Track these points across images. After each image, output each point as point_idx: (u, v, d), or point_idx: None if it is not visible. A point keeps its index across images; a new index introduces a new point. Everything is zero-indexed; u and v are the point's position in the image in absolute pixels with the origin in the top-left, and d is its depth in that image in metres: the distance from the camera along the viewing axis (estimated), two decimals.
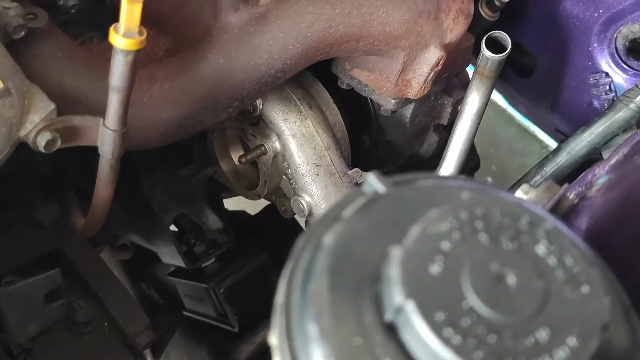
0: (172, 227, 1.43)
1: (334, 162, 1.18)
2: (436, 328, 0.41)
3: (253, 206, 1.68)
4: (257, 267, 1.38)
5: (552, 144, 1.83)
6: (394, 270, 0.43)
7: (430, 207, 0.47)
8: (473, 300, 0.43)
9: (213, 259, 1.42)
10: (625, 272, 0.53)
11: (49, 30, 0.93)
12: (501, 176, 2.23)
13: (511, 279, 0.44)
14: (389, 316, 0.43)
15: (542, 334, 0.42)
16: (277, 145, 1.18)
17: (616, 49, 1.26)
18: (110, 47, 0.97)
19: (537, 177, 1.19)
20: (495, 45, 1.11)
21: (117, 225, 1.42)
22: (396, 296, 0.42)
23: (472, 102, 1.16)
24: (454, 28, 1.11)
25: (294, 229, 1.56)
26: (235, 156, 1.31)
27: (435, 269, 0.44)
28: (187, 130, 1.04)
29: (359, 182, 1.22)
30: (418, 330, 0.41)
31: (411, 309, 0.42)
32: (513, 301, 0.43)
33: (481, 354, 0.41)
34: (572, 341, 0.42)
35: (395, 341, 0.43)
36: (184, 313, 1.49)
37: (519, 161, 2.13)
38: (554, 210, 0.68)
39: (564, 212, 0.69)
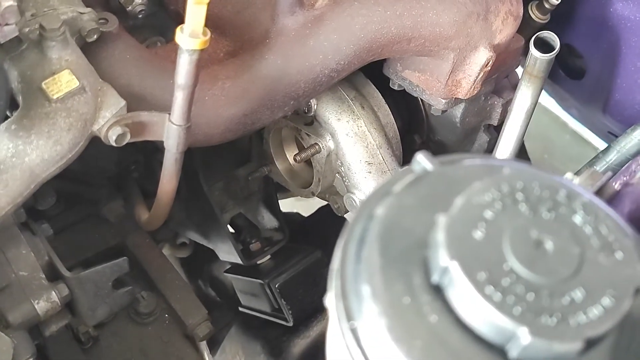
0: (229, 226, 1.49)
1: (386, 160, 1.23)
2: (479, 286, 0.46)
3: (306, 209, 1.74)
4: (311, 264, 1.43)
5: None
6: (440, 235, 0.48)
7: (474, 182, 0.52)
8: (513, 262, 0.47)
9: (268, 256, 1.47)
10: None
11: (118, 34, 1.00)
12: None
13: (549, 244, 0.48)
14: (435, 277, 0.48)
15: (578, 294, 0.46)
16: (331, 144, 1.23)
17: None
18: (174, 50, 1.04)
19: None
20: (544, 46, 1.14)
21: (177, 223, 1.49)
22: (442, 258, 0.47)
23: (522, 101, 1.19)
24: (503, 29, 1.14)
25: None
26: (290, 155, 1.37)
27: (478, 234, 0.48)
28: (245, 128, 1.09)
29: None
30: (462, 289, 0.46)
31: (456, 269, 0.46)
32: (550, 264, 0.47)
33: (520, 309, 0.45)
34: (605, 301, 0.46)
35: (441, 300, 0.48)
36: (240, 309, 1.55)
37: (573, 168, 2.14)
38: (597, 195, 0.71)
39: (607, 198, 0.72)
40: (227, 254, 1.47)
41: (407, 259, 0.50)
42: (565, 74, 1.47)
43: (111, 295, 1.04)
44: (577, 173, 1.26)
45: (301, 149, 1.30)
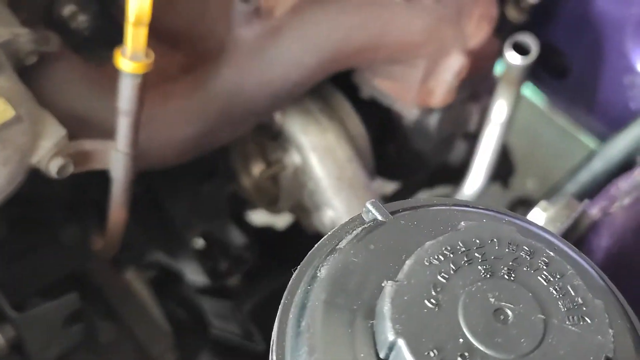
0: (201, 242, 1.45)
1: (356, 174, 1.19)
2: None
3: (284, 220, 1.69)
4: (283, 285, 1.39)
5: (593, 143, 1.81)
6: (386, 307, 0.44)
7: (427, 238, 0.47)
8: (468, 337, 0.43)
9: (238, 276, 1.43)
10: None
11: (61, 53, 0.96)
12: (544, 179, 2.20)
13: (509, 313, 0.44)
14: (382, 354, 0.44)
15: None
16: (297, 159, 1.19)
17: None
18: None
19: (571, 185, 1.18)
20: (522, 49, 1.10)
21: (140, 245, 1.44)
22: (388, 333, 0.43)
23: (499, 109, 1.15)
24: (477, 33, 1.10)
25: None
26: (256, 171, 1.32)
27: (429, 304, 0.44)
28: (203, 148, 1.05)
29: (389, 191, 1.22)
30: None
31: (403, 346, 0.42)
32: (510, 336, 0.43)
33: None
34: None
35: None
36: (212, 332, 1.51)
37: (561, 164, 2.11)
38: (573, 228, 0.67)
39: (584, 229, 0.68)
40: (195, 274, 1.42)
41: (353, 329, 0.46)
42: (547, 74, 1.44)
43: (62, 334, 1.00)
44: (559, 181, 1.23)
45: (267, 164, 1.26)
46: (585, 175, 1.17)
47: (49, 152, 0.87)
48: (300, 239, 1.57)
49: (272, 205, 1.29)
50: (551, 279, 0.46)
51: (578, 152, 2.17)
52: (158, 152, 1.00)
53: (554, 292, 0.45)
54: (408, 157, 1.33)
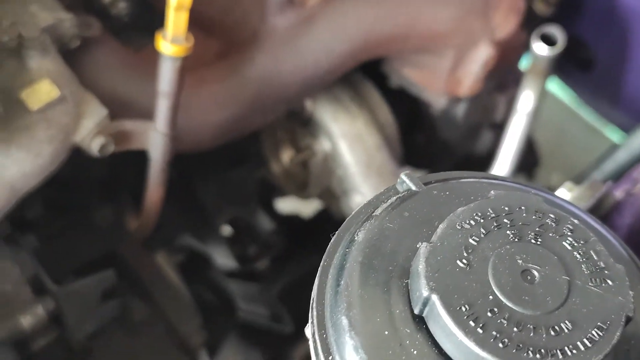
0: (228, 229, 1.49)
1: (385, 162, 1.22)
2: (459, 319, 0.45)
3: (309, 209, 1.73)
4: (314, 268, 1.42)
5: (617, 138, 1.83)
6: (421, 265, 0.47)
7: (459, 206, 0.51)
8: (497, 293, 0.46)
9: (266, 260, 1.46)
10: None
11: (102, 38, 1.00)
12: (569, 173, 2.22)
13: (535, 274, 0.47)
14: (417, 309, 0.47)
15: (564, 327, 0.45)
16: (327, 145, 1.22)
17: None
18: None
19: (595, 173, 1.20)
20: (548, 41, 1.13)
21: (171, 228, 1.48)
22: (423, 290, 0.46)
23: (525, 100, 1.18)
24: (505, 25, 1.13)
25: None
26: (286, 157, 1.36)
27: (461, 264, 0.47)
28: (236, 132, 1.09)
29: None
30: (443, 322, 0.45)
31: (436, 301, 0.45)
32: (536, 295, 0.46)
33: (502, 346, 0.44)
34: (593, 333, 0.45)
35: (424, 332, 0.47)
36: (240, 314, 1.54)
37: (586, 159, 2.12)
38: (597, 207, 0.70)
39: (608, 209, 0.71)
40: (224, 258, 1.46)
41: (388, 288, 0.49)
42: (573, 67, 1.46)
43: (99, 308, 1.04)
44: (584, 172, 1.25)
45: (297, 150, 1.29)
46: (610, 165, 1.19)
47: (91, 132, 0.91)
48: (326, 227, 1.60)
49: (301, 190, 1.33)
50: (575, 244, 0.49)
51: (603, 148, 2.19)
52: (193, 135, 1.03)
53: (578, 256, 0.48)
54: (435, 146, 1.36)
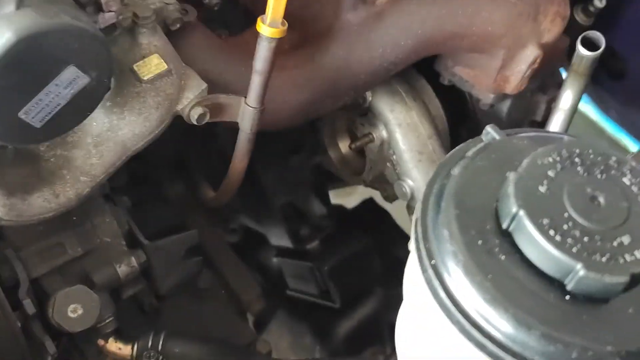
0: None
1: (435, 150, 1.34)
2: (542, 230, 0.57)
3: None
4: (360, 249, 1.54)
5: None
6: (510, 188, 0.59)
7: (538, 148, 0.62)
8: (571, 212, 0.58)
9: (317, 241, 1.58)
10: None
11: (196, 24, 1.12)
12: None
13: (601, 199, 0.59)
14: (505, 224, 0.59)
15: (625, 239, 0.57)
16: (384, 133, 1.34)
17: None
18: (242, 41, 1.16)
19: None
20: (590, 45, 1.25)
21: (231, 209, 1.61)
22: (512, 207, 0.58)
23: (566, 97, 1.29)
24: (551, 29, 1.25)
25: (389, 222, 1.73)
26: (342, 145, 1.48)
27: (542, 189, 0.59)
28: (310, 114, 1.21)
29: None
30: (528, 231, 0.57)
31: (523, 215, 0.57)
32: (602, 215, 0.58)
33: (576, 249, 0.56)
34: None
35: (509, 243, 0.59)
36: (288, 292, 1.66)
37: None
38: None
39: None
40: (278, 238, 1.58)
41: (480, 209, 0.61)
42: (605, 74, 1.57)
43: (182, 264, 1.16)
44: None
45: (354, 138, 1.42)
46: None
47: (191, 102, 1.03)
48: (368, 216, 1.73)
49: (356, 176, 1.45)
50: (633, 180, 0.61)
51: None
52: (273, 114, 1.15)
53: (636, 189, 0.60)
54: None
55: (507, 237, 0.59)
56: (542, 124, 1.40)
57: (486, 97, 1.31)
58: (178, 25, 1.08)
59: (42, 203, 0.95)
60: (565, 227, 0.57)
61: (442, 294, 0.59)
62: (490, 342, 0.57)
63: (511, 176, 0.59)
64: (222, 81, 1.12)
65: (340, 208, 1.82)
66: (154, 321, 1.30)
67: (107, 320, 1.08)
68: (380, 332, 1.60)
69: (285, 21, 0.99)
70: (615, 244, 0.56)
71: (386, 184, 1.42)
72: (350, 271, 1.52)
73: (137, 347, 1.11)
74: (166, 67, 1.01)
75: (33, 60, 0.82)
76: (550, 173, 0.60)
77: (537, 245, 0.56)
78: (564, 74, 1.46)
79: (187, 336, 1.15)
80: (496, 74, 1.27)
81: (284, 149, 1.55)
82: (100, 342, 1.10)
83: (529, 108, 1.40)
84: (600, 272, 0.55)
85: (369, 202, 1.79)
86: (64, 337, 1.08)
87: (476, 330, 0.57)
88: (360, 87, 1.22)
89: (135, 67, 1.01)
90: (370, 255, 1.58)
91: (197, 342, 1.14)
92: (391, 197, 1.43)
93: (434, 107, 1.38)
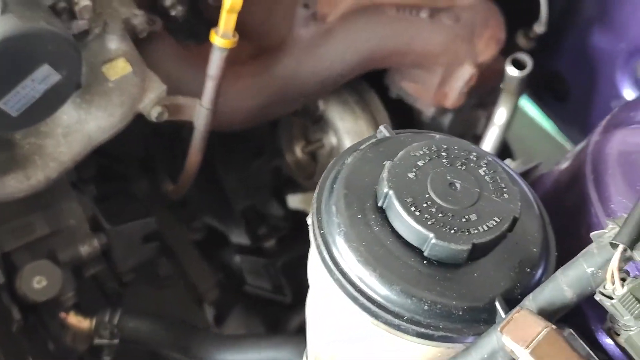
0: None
1: None
2: (406, 206, 0.74)
3: None
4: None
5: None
6: (385, 174, 0.76)
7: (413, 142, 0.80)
8: (431, 194, 0.75)
9: (274, 241, 1.75)
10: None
11: (162, 33, 1.30)
12: None
13: (458, 185, 0.76)
14: (380, 202, 0.76)
15: (473, 216, 0.74)
16: (334, 140, 1.52)
17: (637, 79, 1.55)
18: (204, 51, 1.33)
19: None
20: (519, 65, 1.43)
21: (194, 207, 1.78)
22: (384, 188, 0.75)
23: (500, 114, 1.47)
24: (486, 51, 1.43)
25: None
26: (298, 149, 1.66)
27: (410, 175, 0.76)
28: (262, 118, 1.39)
29: None
30: (395, 208, 0.74)
31: (392, 194, 0.74)
32: (457, 197, 0.75)
33: (431, 222, 0.73)
34: (491, 223, 0.74)
35: (383, 218, 0.76)
36: (246, 288, 1.83)
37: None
38: (525, 175, 0.99)
39: (533, 179, 1.00)
40: (238, 236, 1.75)
41: (363, 191, 0.78)
42: (551, 96, 1.75)
43: (140, 248, 1.33)
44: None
45: (308, 143, 1.59)
46: None
47: (152, 102, 1.21)
48: None
49: (309, 179, 1.62)
50: (487, 171, 0.78)
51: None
52: (228, 117, 1.33)
53: (488, 178, 0.78)
54: None
55: (381, 213, 0.76)
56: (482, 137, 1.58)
57: (428, 110, 1.49)
58: (145, 34, 1.26)
59: (15, 184, 1.12)
60: (424, 205, 0.74)
61: (327, 256, 0.76)
62: (361, 295, 0.74)
63: (387, 164, 0.77)
64: (181, 85, 1.29)
65: (299, 213, 1.99)
66: (115, 304, 1.47)
67: (69, 294, 1.25)
68: None
69: (237, 33, 1.17)
70: (464, 219, 0.73)
71: None
72: (302, 268, 1.69)
73: (96, 321, 1.27)
74: (131, 69, 1.19)
75: (13, 58, 0.99)
76: (420, 163, 0.77)
77: (401, 219, 0.73)
78: None
79: (142, 313, 1.32)
80: (436, 89, 1.46)
81: (245, 153, 1.72)
82: (62, 314, 1.27)
83: (469, 122, 1.59)
84: (448, 241, 0.72)
85: None
86: (30, 312, 1.24)
87: (351, 285, 0.74)
88: (310, 95, 1.40)
89: (103, 69, 1.18)
90: None
91: (149, 318, 1.30)
92: None
93: (381, 117, 1.56)
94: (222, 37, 1.16)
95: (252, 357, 1.17)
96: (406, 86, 1.50)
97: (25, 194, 1.14)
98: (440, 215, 0.74)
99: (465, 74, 1.43)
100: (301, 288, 1.72)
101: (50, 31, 1.01)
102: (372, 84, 1.59)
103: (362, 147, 0.84)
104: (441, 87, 1.45)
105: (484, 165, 0.79)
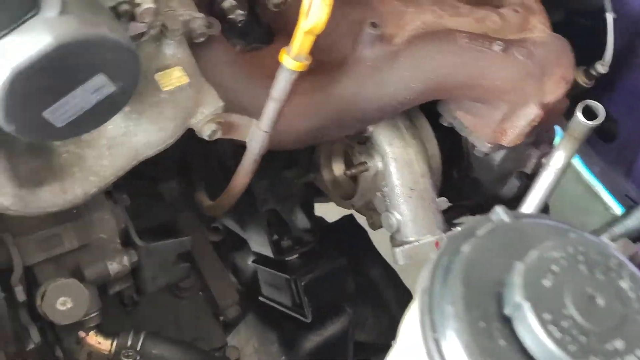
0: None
1: (427, 188, 1.36)
2: (544, 324, 0.59)
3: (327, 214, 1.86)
4: (336, 269, 1.57)
5: (616, 208, 1.99)
6: (516, 278, 0.61)
7: (544, 239, 0.65)
8: (572, 310, 0.60)
9: (296, 255, 1.60)
10: None
11: (219, 37, 1.13)
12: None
13: (600, 300, 0.62)
14: (508, 310, 0.61)
15: (619, 343, 0.60)
16: (380, 164, 1.36)
17: None
18: (260, 58, 1.17)
19: (605, 236, 1.35)
20: (588, 113, 1.28)
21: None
22: (516, 297, 0.60)
23: (558, 157, 1.32)
24: (555, 91, 1.28)
25: (366, 240, 1.75)
26: (336, 168, 1.50)
27: (546, 282, 0.61)
28: (314, 140, 1.23)
29: (444, 209, 1.40)
30: (529, 324, 0.59)
31: (527, 307, 0.60)
32: (600, 316, 0.61)
33: (574, 348, 0.59)
34: (638, 353, 0.60)
35: (510, 329, 0.61)
36: (260, 299, 1.68)
37: (581, 219, 2.29)
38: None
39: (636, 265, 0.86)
40: (259, 245, 1.60)
41: (485, 291, 0.63)
42: (597, 136, 1.61)
43: (172, 268, 1.17)
44: (596, 231, 1.40)
45: (349, 163, 1.44)
46: (620, 229, 1.34)
47: (206, 118, 1.04)
48: (347, 234, 1.75)
49: (345, 200, 1.47)
50: (631, 285, 0.63)
51: (597, 211, 2.35)
52: (279, 137, 1.16)
53: (633, 295, 0.63)
54: (467, 183, 1.51)
55: (507, 322, 0.61)
56: (531, 176, 1.44)
57: (482, 146, 1.34)
58: (202, 39, 1.09)
59: (50, 197, 0.96)
60: (564, 324, 0.60)
61: None
62: None
63: (518, 266, 0.62)
64: (235, 98, 1.13)
65: (320, 221, 1.84)
66: (130, 314, 1.32)
67: (92, 315, 1.09)
68: (344, 350, 1.62)
69: (310, 57, 1.00)
70: (609, 347, 0.59)
71: (374, 212, 1.44)
72: (324, 288, 1.55)
73: (117, 344, 1.12)
74: (187, 80, 1.02)
75: (67, 65, 0.83)
76: (555, 268, 0.62)
77: (536, 338, 0.59)
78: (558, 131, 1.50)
79: (165, 338, 1.17)
80: (496, 125, 1.30)
81: (277, 162, 1.57)
82: (82, 333, 1.11)
83: (520, 160, 1.44)
84: None
85: (348, 219, 1.81)
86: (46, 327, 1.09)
87: None
88: (367, 121, 1.25)
89: (156, 77, 1.02)
90: (344, 275, 1.60)
91: (174, 344, 1.15)
92: (376, 225, 1.46)
93: (431, 146, 1.41)
94: (294, 59, 0.99)
95: None
96: (462, 117, 1.35)
97: (59, 208, 0.98)
98: (583, 338, 0.60)
99: (530, 114, 1.28)
100: (321, 308, 1.58)
101: (112, 40, 0.84)
102: (422, 109, 1.43)
103: (477, 232, 0.68)
104: (502, 124, 1.30)
105: (627, 276, 0.64)
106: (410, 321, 0.68)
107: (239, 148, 1.50)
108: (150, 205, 1.41)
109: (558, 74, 1.28)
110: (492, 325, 0.62)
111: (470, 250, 0.66)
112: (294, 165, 1.57)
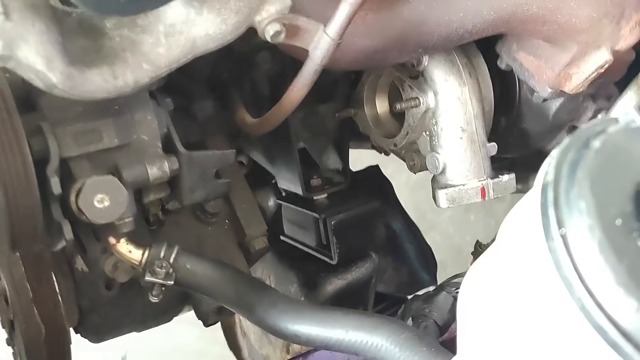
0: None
1: (478, 131, 1.29)
2: None
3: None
4: (367, 211, 1.50)
5: None
6: None
7: None
8: None
9: (325, 195, 1.52)
10: None
11: None
12: None
13: None
14: None
15: None
16: (432, 101, 1.29)
17: None
18: None
19: None
20: None
21: (246, 140, 1.54)
22: None
23: (623, 106, 1.26)
24: (629, 37, 1.21)
25: (389, 193, 1.68)
26: (380, 104, 1.43)
27: None
28: (371, 63, 1.15)
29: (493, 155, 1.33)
30: None
31: None
32: None
33: None
34: None
35: None
36: (282, 238, 1.61)
37: None
38: None
39: None
40: (288, 182, 1.52)
41: (619, 190, 0.56)
42: None
43: (212, 182, 1.10)
44: None
45: (396, 99, 1.36)
46: None
47: (270, 17, 0.96)
48: (372, 182, 1.68)
49: (388, 138, 1.40)
50: None
51: None
52: (336, 53, 1.09)
53: None
54: (515, 134, 1.44)
55: None
56: None
57: (543, 90, 1.27)
58: None
59: (99, 81, 0.88)
60: None
61: (568, 267, 0.54)
62: (613, 327, 0.53)
63: None
64: (300, 4, 1.05)
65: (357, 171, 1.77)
66: (153, 234, 1.24)
67: (126, 220, 1.01)
68: (365, 298, 1.56)
69: None
70: None
71: (416, 153, 1.37)
72: (354, 231, 1.48)
73: (149, 254, 1.05)
74: None
75: None
76: None
77: None
78: None
79: (200, 255, 1.10)
80: (561, 69, 1.23)
81: (313, 95, 1.48)
82: (112, 240, 1.04)
83: (576, 112, 1.37)
84: None
85: (374, 168, 1.75)
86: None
87: (600, 310, 0.53)
88: (429, 48, 1.17)
89: None
90: (376, 220, 1.53)
91: (209, 262, 1.08)
92: (417, 168, 1.38)
93: (486, 87, 1.33)
94: None
95: (338, 334, 0.95)
96: (524, 59, 1.28)
97: (108, 95, 0.90)
98: None
99: (600, 59, 1.21)
100: (348, 251, 1.51)
101: None
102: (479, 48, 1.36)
103: (608, 129, 0.61)
104: (568, 68, 1.23)
105: None
106: (523, 219, 0.61)
107: (274, 76, 1.43)
108: (180, 122, 1.33)
109: (635, 19, 1.21)
110: (630, 224, 0.55)
111: (601, 145, 0.59)
112: (328, 101, 1.49)
